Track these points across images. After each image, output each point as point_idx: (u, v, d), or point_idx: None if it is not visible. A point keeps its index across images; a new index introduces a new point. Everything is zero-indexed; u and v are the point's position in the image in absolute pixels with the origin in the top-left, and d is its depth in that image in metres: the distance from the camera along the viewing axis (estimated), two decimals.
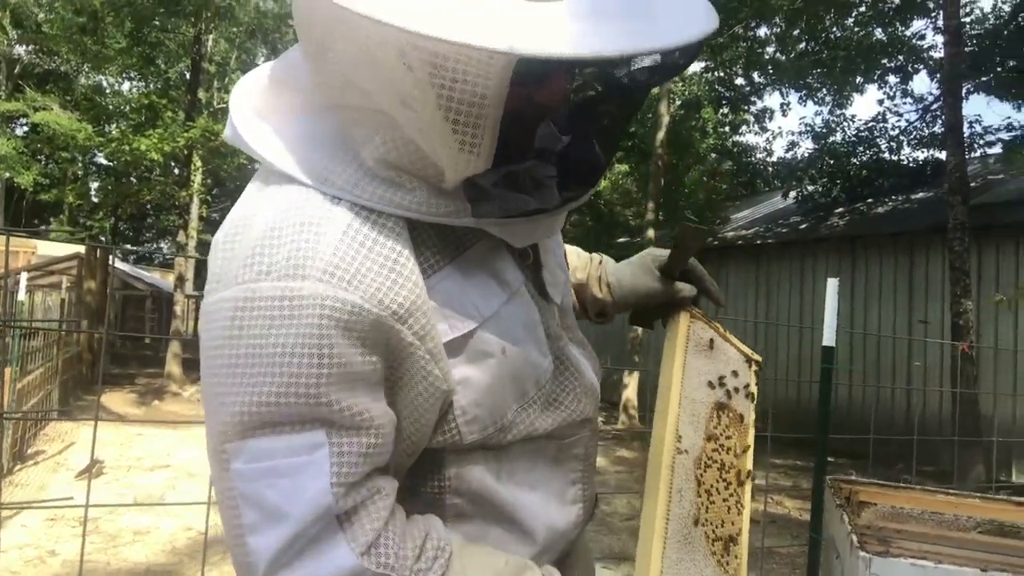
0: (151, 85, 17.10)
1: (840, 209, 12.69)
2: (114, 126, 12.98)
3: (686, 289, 1.20)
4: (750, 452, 1.10)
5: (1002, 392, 8.23)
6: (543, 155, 0.86)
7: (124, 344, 14.92)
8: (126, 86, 24.42)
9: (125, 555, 4.48)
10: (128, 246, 38.85)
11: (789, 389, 10.64)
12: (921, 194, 11.97)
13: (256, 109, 0.85)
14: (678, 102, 15.56)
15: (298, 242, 0.73)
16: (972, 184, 9.56)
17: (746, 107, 17.41)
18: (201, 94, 13.32)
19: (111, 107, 15.55)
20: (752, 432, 1.12)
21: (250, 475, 0.72)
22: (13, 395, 5.90)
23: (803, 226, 12.60)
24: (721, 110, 17.10)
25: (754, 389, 1.16)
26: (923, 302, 9.91)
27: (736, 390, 1.14)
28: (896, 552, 0.95)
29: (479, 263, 0.87)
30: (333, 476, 0.71)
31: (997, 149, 12.04)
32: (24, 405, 6.48)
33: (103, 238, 31.97)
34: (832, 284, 2.52)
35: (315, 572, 0.70)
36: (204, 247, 30.52)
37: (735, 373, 1.16)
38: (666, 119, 12.12)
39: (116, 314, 14.31)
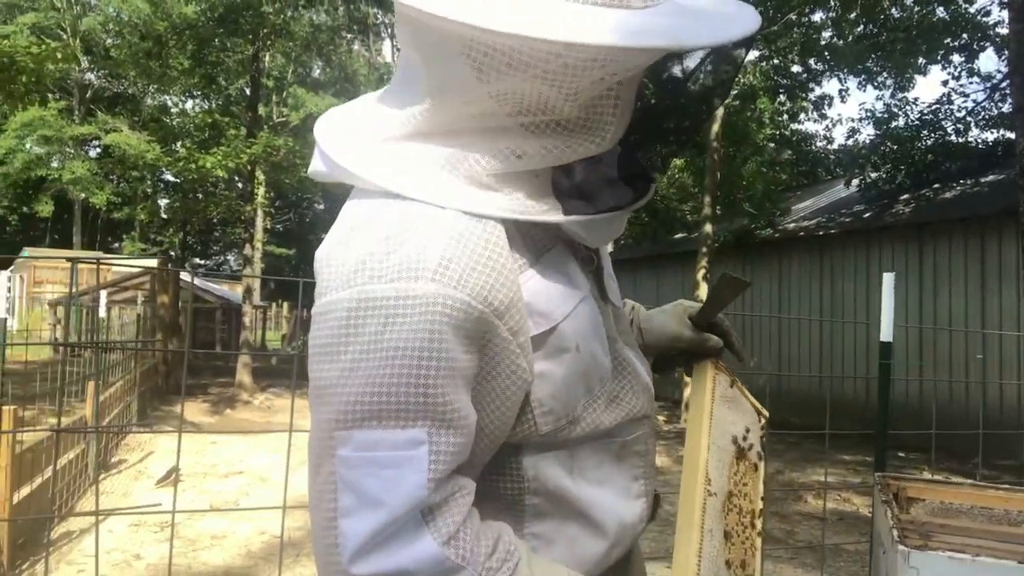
0: (213, 103, 17.74)
1: (905, 196, 12.30)
2: (180, 145, 13.49)
3: (714, 340, 1.24)
4: (761, 499, 1.17)
5: None
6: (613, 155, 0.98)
7: (197, 356, 15.49)
8: (189, 104, 25.40)
9: (204, 558, 4.68)
10: (199, 260, 40.24)
11: (858, 385, 10.39)
12: (992, 176, 11.50)
13: (349, 140, 0.92)
14: (733, 93, 15.31)
15: (409, 248, 0.80)
16: None
17: (803, 95, 17.02)
18: (261, 109, 13.75)
19: (177, 127, 16.16)
20: (762, 481, 1.20)
21: (354, 462, 0.77)
22: (96, 407, 6.21)
23: (867, 215, 12.26)
24: (778, 99, 16.77)
25: (763, 441, 1.23)
26: (996, 289, 9.54)
27: (750, 442, 1.20)
28: (935, 546, 0.96)
29: (556, 266, 0.95)
30: (429, 472, 0.77)
31: None
32: (106, 417, 6.81)
33: (172, 253, 33.19)
34: (888, 279, 2.49)
35: (400, 557, 0.76)
36: (269, 258, 31.49)
37: (749, 427, 1.22)
38: (721, 111, 11.96)
39: (187, 327, 14.89)
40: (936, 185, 12.29)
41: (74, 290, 5.66)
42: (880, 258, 11.25)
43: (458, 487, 0.81)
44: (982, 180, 11.53)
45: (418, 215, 0.83)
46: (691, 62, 0.91)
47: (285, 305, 30.64)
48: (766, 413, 1.27)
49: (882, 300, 2.52)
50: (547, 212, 0.89)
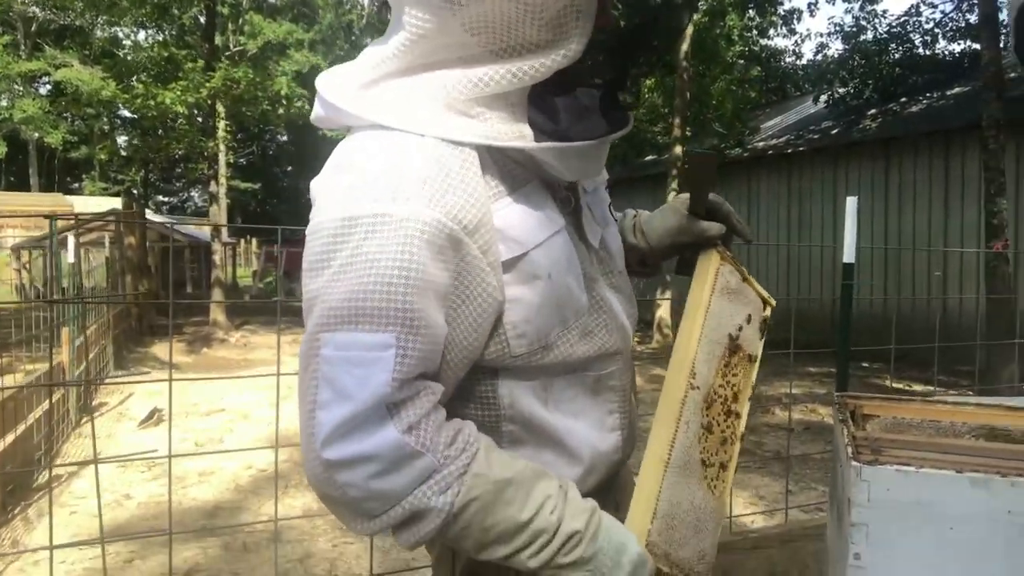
0: (166, 34, 17.06)
1: (873, 111, 12.36)
2: (136, 80, 13.04)
3: (714, 228, 1.23)
4: (749, 390, 1.20)
5: None
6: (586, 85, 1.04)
7: (167, 295, 15.40)
8: (141, 35, 24.36)
9: (193, 495, 4.79)
10: (162, 198, 39.40)
11: (824, 297, 10.65)
12: (957, 89, 11.58)
13: (343, 84, 1.00)
14: (702, 8, 15.06)
15: (391, 173, 0.89)
16: (1011, 76, 9.23)
17: (773, 9, 16.80)
18: (217, 39, 13.25)
19: (131, 61, 15.58)
20: (755, 370, 1.22)
21: (333, 360, 0.86)
22: (73, 353, 6.20)
23: (835, 131, 12.32)
24: (747, 14, 16.54)
25: (763, 330, 1.25)
26: (959, 203, 9.73)
27: (748, 334, 1.21)
28: (884, 460, 1.04)
29: (531, 199, 1.01)
30: (394, 372, 0.85)
31: None
32: (83, 361, 6.81)
33: (135, 191, 32.44)
34: (852, 202, 2.54)
35: (365, 444, 0.85)
36: (234, 192, 30.87)
37: (750, 316, 1.22)
38: (690, 29, 11.79)
39: (156, 266, 14.69)
40: (903, 99, 12.34)
41: (54, 246, 5.53)
42: (847, 175, 11.37)
43: (423, 387, 0.89)
44: (948, 93, 11.61)
45: (400, 143, 0.92)
46: None
47: (254, 241, 30.30)
48: (773, 302, 1.27)
49: (846, 223, 2.58)
50: (519, 139, 0.96)
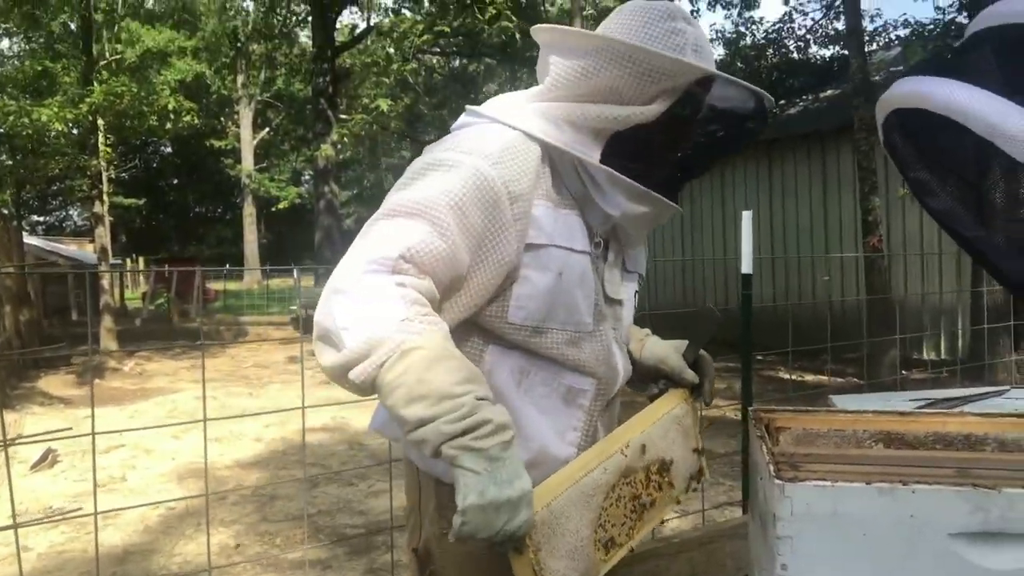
0: (34, 43, 16.02)
1: None
2: (6, 98, 12.20)
3: (689, 375, 1.46)
4: (658, 515, 1.39)
5: (911, 279, 8.83)
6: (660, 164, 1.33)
7: (52, 323, 14.45)
8: (4, 43, 22.77)
9: (100, 540, 4.55)
10: (37, 218, 36.90)
11: (718, 292, 11.13)
12: (829, 92, 12.34)
13: (508, 106, 1.34)
14: (595, 16, 15.46)
15: (476, 140, 1.22)
16: (875, 78, 9.93)
17: None
18: (93, 48, 12.54)
19: (2, 78, 14.55)
20: (667, 508, 1.42)
21: (384, 225, 1.13)
22: None
23: None
24: None
25: (689, 486, 1.48)
26: (836, 200, 10.39)
27: (681, 470, 1.43)
28: (803, 476, 1.14)
29: (568, 219, 1.27)
30: (414, 244, 1.09)
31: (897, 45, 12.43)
32: None
33: (6, 211, 30.25)
34: (747, 216, 2.72)
35: (370, 279, 1.07)
36: (117, 210, 29.24)
37: (682, 460, 1.43)
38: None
39: (37, 294, 13.79)
40: (782, 102, 13.04)
41: None
42: (733, 176, 11.91)
43: (424, 277, 1.10)
44: (821, 95, 12.35)
45: (492, 127, 1.26)
46: (717, 90, 1.30)
47: (141, 260, 28.83)
48: (706, 474, 1.52)
49: (741, 236, 2.76)
50: (583, 151, 1.24)
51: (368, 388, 1.03)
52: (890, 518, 1.05)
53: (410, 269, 1.08)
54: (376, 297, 1.05)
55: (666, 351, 1.49)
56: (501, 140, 1.22)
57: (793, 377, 8.17)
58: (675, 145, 1.33)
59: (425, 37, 15.91)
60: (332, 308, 1.05)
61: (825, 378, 7.84)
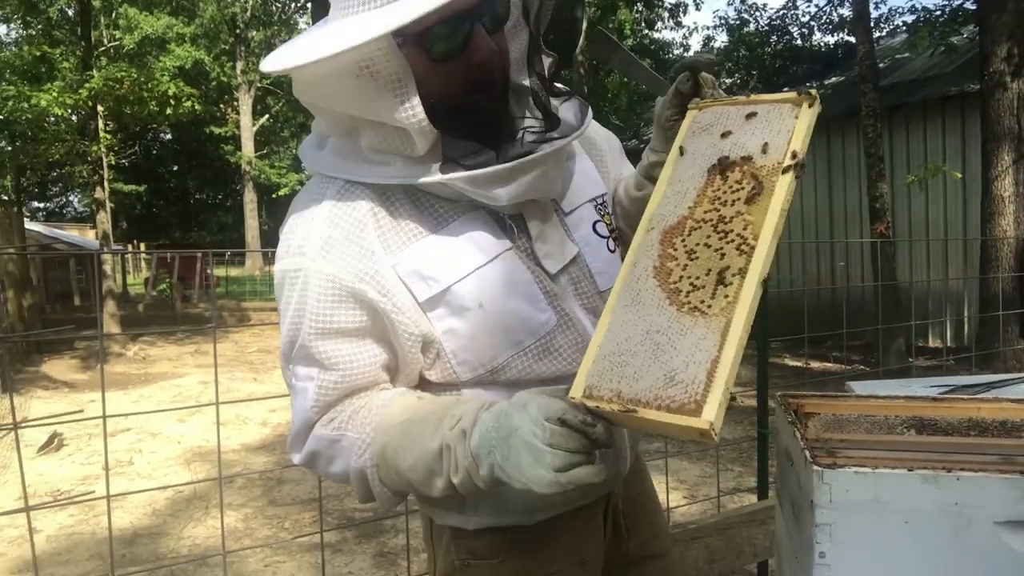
0: (32, 29, 15.92)
1: None
2: (5, 83, 12.12)
3: (664, 87, 1.20)
4: (782, 195, 1.00)
5: (917, 266, 8.81)
6: (501, 114, 1.10)
7: (55, 308, 14.44)
8: (2, 29, 22.64)
9: (106, 523, 4.56)
10: (37, 204, 36.83)
11: None
12: (835, 79, 12.27)
13: (313, 149, 1.17)
14: (593, 7, 15.36)
15: (302, 225, 1.07)
16: (881, 65, 9.88)
17: (660, 2, 17.32)
18: (91, 34, 12.47)
19: (0, 63, 14.48)
20: (785, 176, 1.02)
21: (294, 384, 1.10)
22: None
23: None
24: (635, 8, 16.98)
25: (792, 129, 1.05)
26: (842, 186, 10.35)
27: (753, 140, 1.07)
28: (842, 462, 1.12)
29: (457, 233, 1.08)
30: (312, 401, 1.07)
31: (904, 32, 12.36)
32: None
33: (5, 197, 30.25)
34: None
35: (305, 448, 1.10)
36: (117, 196, 29.20)
37: (733, 132, 1.10)
38: (584, 24, 12.02)
39: (39, 279, 13.77)
40: (785, 88, 12.97)
41: None
42: None
43: (346, 404, 1.08)
44: (826, 82, 12.28)
45: (313, 187, 1.10)
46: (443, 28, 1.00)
47: (142, 246, 28.82)
48: (808, 95, 1.08)
49: None
50: (424, 174, 1.04)
51: (395, 495, 1.08)
52: (933, 505, 1.04)
53: (325, 417, 1.08)
54: (328, 448, 1.08)
55: (657, 116, 1.25)
56: (323, 218, 1.05)
57: (799, 364, 8.18)
58: (472, 87, 1.04)
59: None
60: (321, 471, 1.12)
61: (831, 365, 7.84)
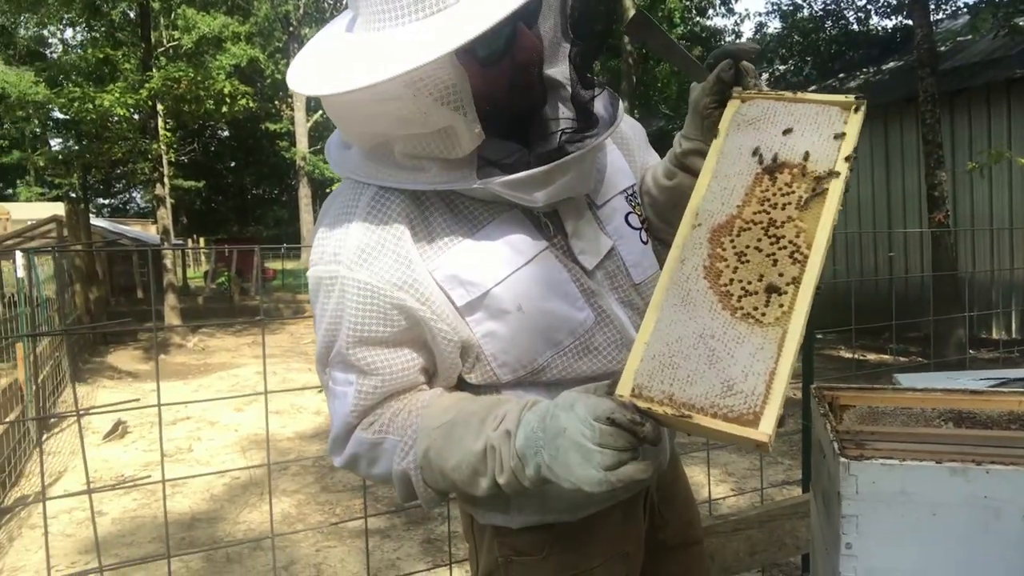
0: (96, 32, 16.49)
1: (812, 87, 12.64)
2: (70, 83, 12.60)
3: (704, 74, 1.18)
4: (832, 204, 1.01)
5: (979, 256, 8.52)
6: (540, 117, 1.12)
7: (119, 301, 14.98)
8: (68, 33, 23.46)
9: (168, 507, 4.74)
10: (102, 200, 38.16)
11: None
12: (892, 64, 11.91)
13: (339, 148, 1.15)
14: None
15: (336, 233, 1.06)
16: (941, 48, 9.55)
17: None
18: (152, 36, 12.87)
19: (65, 63, 15.03)
20: (837, 184, 1.03)
21: (332, 388, 1.10)
22: (29, 368, 6.04)
23: None
24: None
25: (842, 135, 1.07)
26: (900, 172, 10.05)
27: (802, 143, 1.08)
28: (869, 454, 1.12)
29: (494, 237, 1.08)
30: (352, 406, 1.07)
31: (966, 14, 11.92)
32: (39, 375, 6.64)
33: (73, 194, 31.40)
34: None
35: (346, 451, 1.10)
36: (177, 192, 30.03)
37: (791, 129, 1.09)
38: (631, 12, 11.90)
39: (104, 273, 14.31)
40: (841, 75, 12.65)
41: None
42: None
43: (385, 407, 1.08)
44: (883, 68, 11.93)
45: (346, 193, 1.08)
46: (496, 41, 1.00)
47: (201, 241, 29.60)
48: (850, 100, 1.11)
49: None
50: (460, 180, 1.03)
51: (438, 495, 1.08)
52: (961, 498, 1.03)
53: (364, 421, 1.08)
54: (371, 451, 1.08)
55: (693, 104, 1.22)
56: (359, 226, 1.03)
57: (856, 356, 8.00)
58: (517, 88, 1.05)
59: None
60: (362, 473, 1.13)
61: (888, 357, 7.66)
